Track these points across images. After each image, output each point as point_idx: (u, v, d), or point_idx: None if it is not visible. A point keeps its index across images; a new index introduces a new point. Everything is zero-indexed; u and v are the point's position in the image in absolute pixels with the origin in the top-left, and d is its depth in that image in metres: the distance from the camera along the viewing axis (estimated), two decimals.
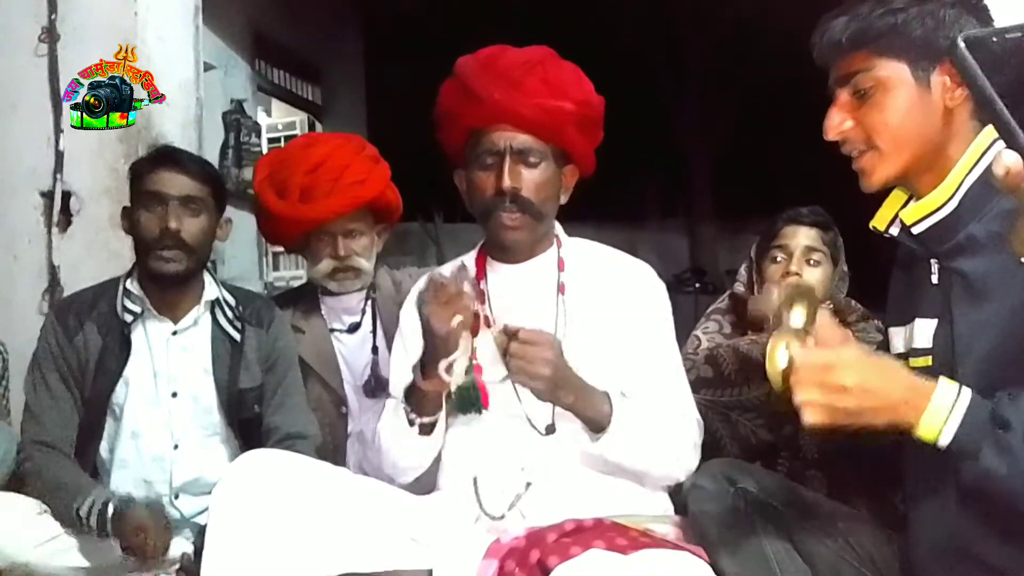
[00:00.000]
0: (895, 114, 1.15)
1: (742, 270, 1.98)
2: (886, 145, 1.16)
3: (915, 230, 1.18)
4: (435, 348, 1.40)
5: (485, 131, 1.49)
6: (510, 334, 1.35)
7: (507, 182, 1.46)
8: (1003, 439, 1.00)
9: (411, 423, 1.48)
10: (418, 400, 1.46)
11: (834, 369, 1.03)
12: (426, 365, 1.43)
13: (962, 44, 0.72)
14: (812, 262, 1.85)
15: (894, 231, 1.22)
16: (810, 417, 1.02)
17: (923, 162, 1.16)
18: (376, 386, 2.01)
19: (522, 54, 1.54)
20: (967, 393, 1.03)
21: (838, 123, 1.18)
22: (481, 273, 1.57)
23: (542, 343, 1.34)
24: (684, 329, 1.78)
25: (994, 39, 0.73)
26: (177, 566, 1.66)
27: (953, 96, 1.13)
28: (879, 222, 1.24)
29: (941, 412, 1.02)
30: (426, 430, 1.49)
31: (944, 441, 1.02)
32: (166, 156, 1.81)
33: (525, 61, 1.51)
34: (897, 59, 1.14)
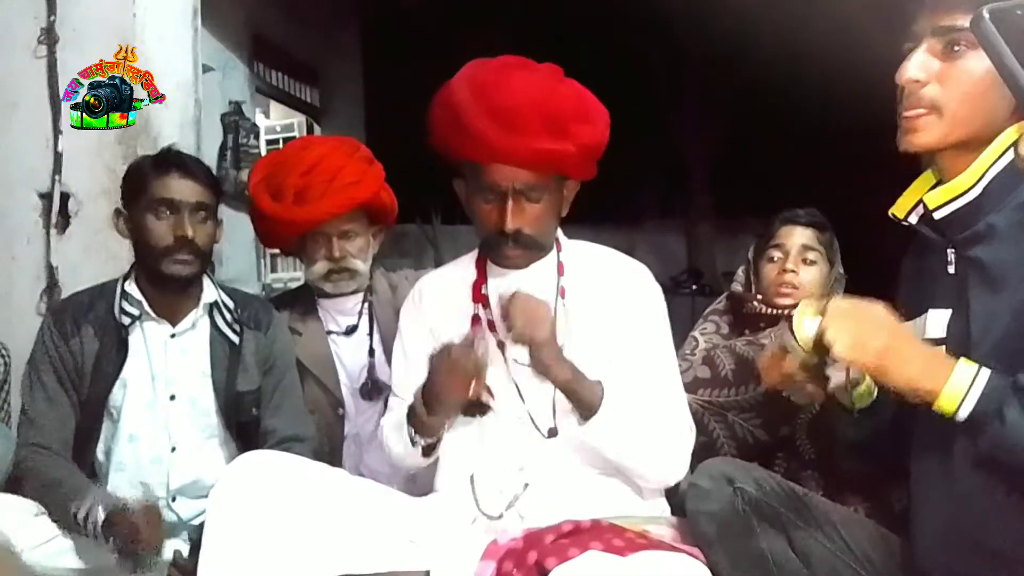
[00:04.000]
0: (977, 83, 1.12)
1: (739, 272, 1.99)
2: (952, 112, 1.14)
3: (937, 215, 1.19)
4: (443, 404, 1.43)
5: (484, 167, 1.45)
6: (507, 300, 1.38)
7: (510, 226, 1.46)
8: None
9: (413, 443, 1.50)
10: (420, 426, 1.48)
11: (867, 308, 1.09)
12: (431, 404, 1.44)
13: (987, 16, 0.71)
14: (808, 261, 1.87)
15: (913, 219, 1.23)
16: (840, 347, 1.08)
17: (971, 142, 1.15)
18: (372, 388, 2.02)
19: (520, 88, 1.41)
20: (986, 370, 1.07)
21: (923, 65, 1.14)
22: (482, 277, 1.58)
23: (538, 306, 1.38)
24: (681, 330, 1.78)
25: (1019, 12, 0.72)
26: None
27: None
28: (899, 209, 1.24)
29: (963, 382, 1.07)
30: (428, 451, 1.52)
31: (965, 411, 1.06)
32: (174, 161, 1.78)
33: (523, 100, 1.39)
34: None
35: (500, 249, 1.50)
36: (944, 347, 1.19)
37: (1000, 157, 1.14)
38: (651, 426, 1.46)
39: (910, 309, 1.27)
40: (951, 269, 1.20)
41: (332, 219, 1.96)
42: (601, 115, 1.50)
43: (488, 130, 1.39)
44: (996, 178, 1.14)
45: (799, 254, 1.87)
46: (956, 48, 1.13)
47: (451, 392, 1.41)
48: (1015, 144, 0.74)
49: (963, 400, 1.06)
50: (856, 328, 1.08)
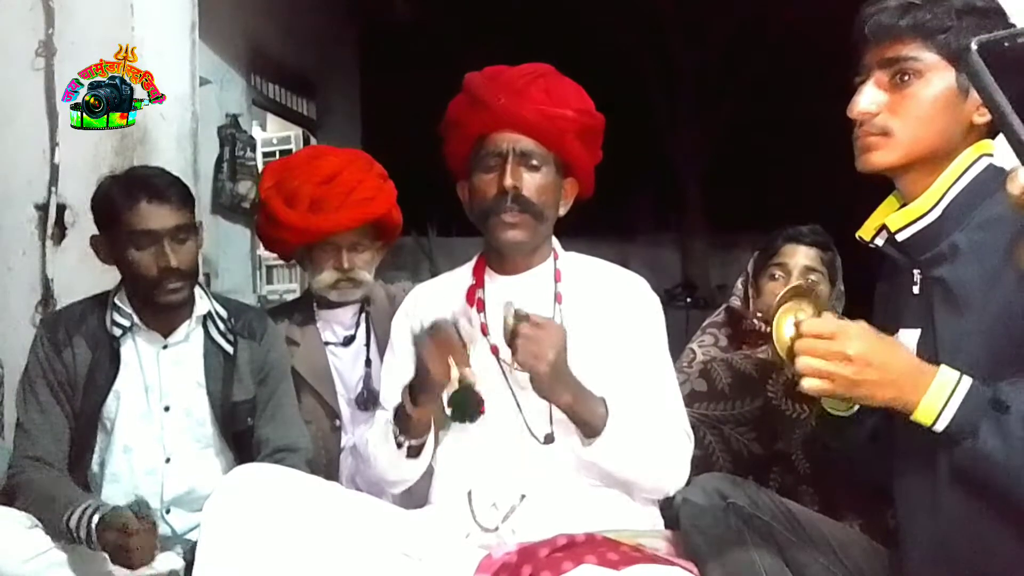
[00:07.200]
0: (927, 109, 1.15)
1: (738, 284, 1.99)
2: (903, 135, 1.16)
3: (899, 237, 1.20)
4: (429, 385, 1.43)
5: (490, 136, 1.53)
6: (521, 317, 1.37)
7: (509, 180, 1.49)
8: (1002, 422, 1.01)
9: (399, 445, 1.50)
10: (406, 423, 1.48)
11: (839, 337, 1.04)
12: (416, 394, 1.45)
13: (974, 48, 0.70)
14: (810, 282, 1.86)
15: (879, 241, 1.24)
16: (808, 384, 1.04)
17: (929, 162, 1.17)
18: (369, 399, 2.02)
19: (526, 68, 1.60)
20: (967, 379, 1.05)
21: (873, 98, 1.17)
22: (479, 282, 1.59)
23: (551, 329, 1.38)
24: (675, 343, 1.79)
25: (1006, 44, 0.71)
26: None
27: (982, 112, 1.13)
28: (865, 232, 1.25)
29: (941, 395, 1.04)
30: (414, 452, 1.51)
31: (941, 424, 1.04)
32: (142, 187, 1.70)
33: (529, 73, 1.58)
34: (945, 59, 1.14)
35: (499, 215, 1.50)
36: None
37: (959, 178, 1.16)
38: (653, 439, 1.47)
39: (883, 330, 1.28)
40: (916, 290, 1.21)
41: (345, 231, 1.98)
42: (595, 110, 1.60)
43: (497, 94, 1.53)
44: (956, 199, 1.16)
45: (801, 275, 1.85)
46: (904, 78, 1.16)
47: (435, 369, 1.41)
48: (1005, 182, 0.72)
49: (941, 412, 1.04)
50: (824, 363, 1.04)
